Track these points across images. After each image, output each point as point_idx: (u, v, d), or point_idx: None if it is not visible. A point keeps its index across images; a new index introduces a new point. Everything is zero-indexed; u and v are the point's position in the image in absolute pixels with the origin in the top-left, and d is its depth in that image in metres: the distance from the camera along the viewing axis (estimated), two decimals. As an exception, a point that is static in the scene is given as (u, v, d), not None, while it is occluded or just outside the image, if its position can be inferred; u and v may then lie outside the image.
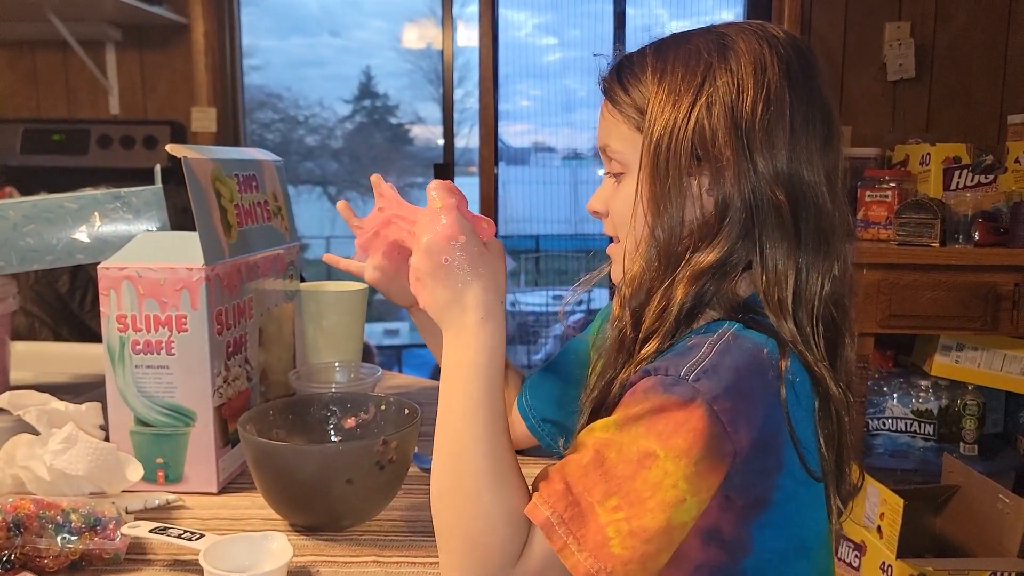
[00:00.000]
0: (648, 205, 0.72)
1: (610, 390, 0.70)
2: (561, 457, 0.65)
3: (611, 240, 0.82)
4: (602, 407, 0.69)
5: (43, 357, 1.32)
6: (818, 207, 0.71)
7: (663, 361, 0.65)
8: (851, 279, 0.74)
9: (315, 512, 0.83)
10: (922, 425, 2.55)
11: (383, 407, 0.94)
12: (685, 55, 0.72)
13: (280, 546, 0.74)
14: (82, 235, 1.00)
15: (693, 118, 0.70)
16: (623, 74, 0.76)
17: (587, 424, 0.68)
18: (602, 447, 0.62)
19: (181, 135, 3.01)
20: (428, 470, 0.99)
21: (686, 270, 0.69)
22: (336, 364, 1.15)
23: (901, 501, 1.81)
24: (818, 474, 0.67)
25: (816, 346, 0.69)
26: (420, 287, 0.69)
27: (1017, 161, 2.41)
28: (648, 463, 0.60)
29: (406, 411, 0.91)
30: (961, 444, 2.47)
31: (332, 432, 0.95)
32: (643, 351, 0.69)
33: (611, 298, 3.33)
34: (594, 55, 0.81)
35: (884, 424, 2.57)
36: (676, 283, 0.69)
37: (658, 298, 0.70)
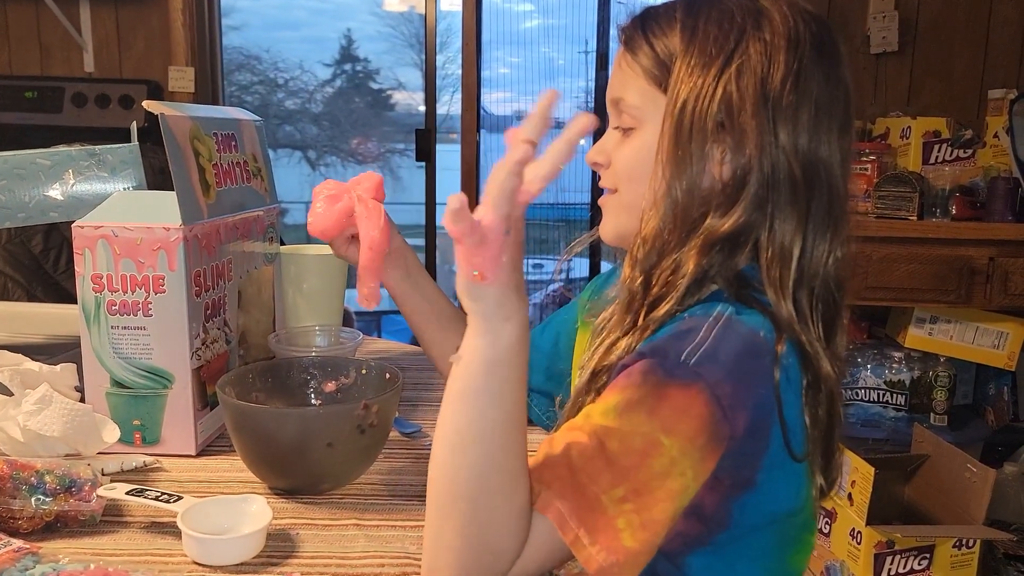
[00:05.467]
0: (667, 165, 0.70)
1: (612, 352, 0.69)
2: (548, 429, 0.65)
3: (603, 195, 0.80)
4: (604, 371, 0.68)
5: (16, 317, 1.29)
6: (831, 188, 0.70)
7: (660, 343, 0.64)
8: (850, 261, 0.73)
9: (295, 475, 0.83)
10: (894, 395, 2.59)
11: (364, 371, 0.94)
12: (718, 16, 0.70)
13: (259, 509, 0.74)
14: (56, 193, 0.98)
15: (722, 85, 0.68)
16: (648, 27, 0.74)
17: (586, 387, 0.68)
18: (604, 435, 0.60)
19: (158, 95, 2.95)
20: (409, 434, 1.00)
21: (699, 237, 0.68)
22: (316, 328, 1.14)
23: (872, 469, 1.84)
24: (800, 455, 0.67)
25: (813, 324, 0.69)
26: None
27: (996, 136, 2.42)
28: (653, 452, 0.59)
29: (387, 375, 0.91)
30: (931, 415, 2.51)
31: (312, 396, 0.95)
32: (652, 314, 0.68)
33: (591, 267, 3.32)
34: (618, 2, 0.80)
35: (857, 394, 2.61)
36: (688, 250, 0.68)
37: (670, 261, 0.69)
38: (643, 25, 0.74)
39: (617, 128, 0.77)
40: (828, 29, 0.72)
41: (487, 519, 0.57)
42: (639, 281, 0.70)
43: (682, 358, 0.61)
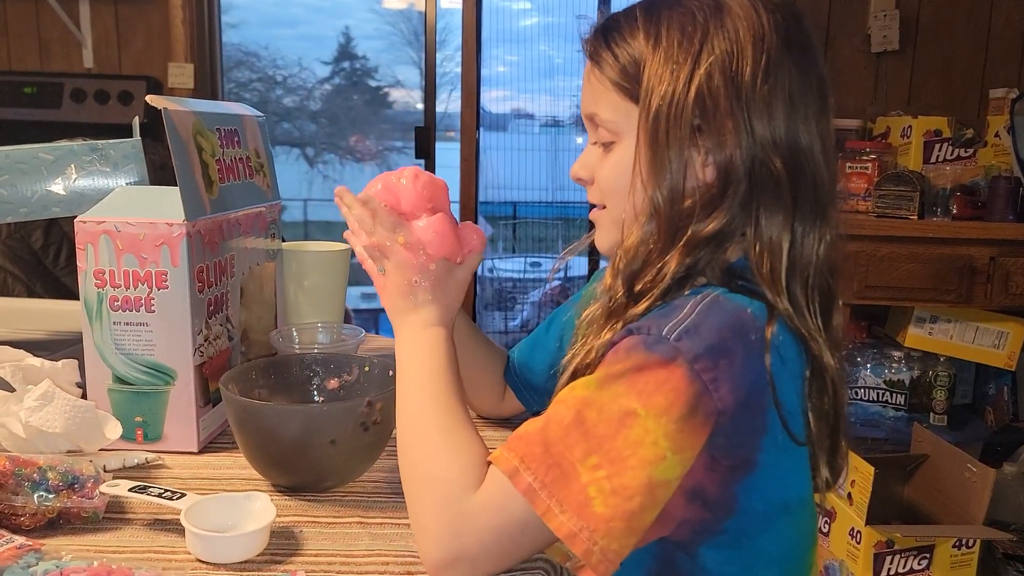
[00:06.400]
0: (647, 176, 0.70)
1: (591, 354, 0.69)
2: None
3: (592, 205, 0.80)
4: (586, 369, 0.69)
5: (17, 313, 1.29)
6: (814, 175, 0.70)
7: (646, 320, 0.65)
8: (841, 244, 0.73)
9: (298, 473, 0.83)
10: (893, 395, 2.59)
11: (367, 368, 0.94)
12: (680, 19, 0.70)
13: (263, 506, 0.74)
14: (58, 187, 0.97)
15: (693, 88, 0.68)
16: (611, 38, 0.73)
17: (568, 383, 0.68)
18: (582, 406, 0.62)
19: (157, 91, 2.94)
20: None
21: (683, 242, 0.68)
22: (319, 325, 1.14)
23: (871, 469, 1.84)
24: (800, 439, 0.67)
25: (812, 316, 0.69)
26: (384, 292, 0.80)
27: (997, 135, 2.42)
28: (629, 421, 0.60)
29: (390, 372, 0.90)
30: (931, 414, 2.51)
31: (315, 393, 0.94)
32: (630, 312, 0.68)
33: (590, 266, 3.32)
34: (577, 17, 0.80)
35: (856, 394, 2.60)
36: (672, 253, 0.68)
37: (653, 270, 0.69)
38: (606, 36, 0.73)
39: (596, 143, 0.77)
40: (794, 15, 0.72)
41: (426, 451, 0.69)
42: (620, 289, 0.70)
43: (664, 333, 0.62)
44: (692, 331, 0.62)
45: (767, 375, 0.64)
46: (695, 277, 0.69)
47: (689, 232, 0.68)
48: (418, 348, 0.76)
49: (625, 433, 0.60)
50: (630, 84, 0.71)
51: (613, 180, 0.74)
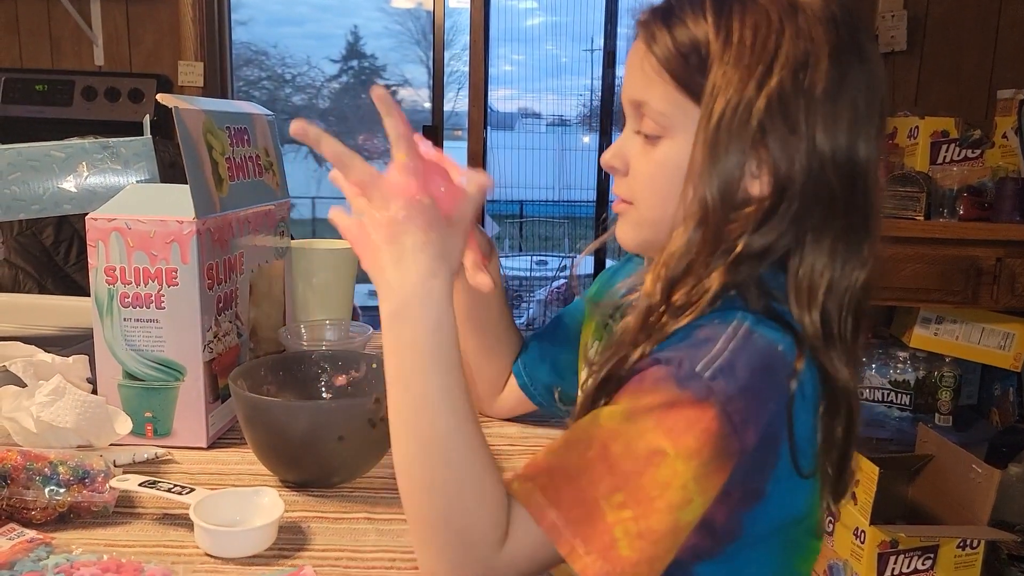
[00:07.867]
0: (700, 181, 0.66)
1: (625, 363, 0.66)
2: (558, 418, 0.65)
3: (616, 200, 0.76)
4: (615, 378, 0.66)
5: (28, 309, 1.30)
6: (867, 195, 0.67)
7: (675, 352, 0.62)
8: (878, 263, 0.69)
9: (306, 468, 0.84)
10: (899, 395, 2.59)
11: (375, 365, 0.94)
12: (754, 16, 0.65)
13: (271, 501, 0.75)
14: (69, 185, 0.98)
15: (764, 97, 0.63)
16: (673, 25, 0.67)
17: (595, 393, 0.66)
18: (608, 439, 0.60)
19: (167, 89, 2.96)
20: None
21: (730, 256, 0.65)
22: (327, 322, 1.15)
23: (876, 469, 1.84)
24: (807, 472, 0.65)
25: (840, 338, 0.66)
26: (359, 244, 0.64)
27: (1004, 136, 2.42)
28: (657, 460, 0.58)
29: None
30: (936, 415, 2.51)
31: (323, 389, 0.95)
32: (668, 327, 0.65)
33: (595, 265, 3.29)
34: (637, 3, 0.75)
35: (862, 394, 2.60)
36: (716, 268, 0.65)
37: (695, 277, 0.65)
38: (667, 22, 0.68)
39: (638, 132, 0.72)
40: (860, 22, 0.68)
41: (454, 497, 0.60)
42: (659, 296, 0.67)
43: (696, 369, 0.59)
44: (727, 370, 0.59)
45: (788, 412, 0.62)
46: (727, 290, 0.65)
47: (739, 247, 0.65)
48: (423, 314, 0.61)
49: (652, 472, 0.58)
50: (691, 79, 0.66)
51: (653, 179, 0.71)
